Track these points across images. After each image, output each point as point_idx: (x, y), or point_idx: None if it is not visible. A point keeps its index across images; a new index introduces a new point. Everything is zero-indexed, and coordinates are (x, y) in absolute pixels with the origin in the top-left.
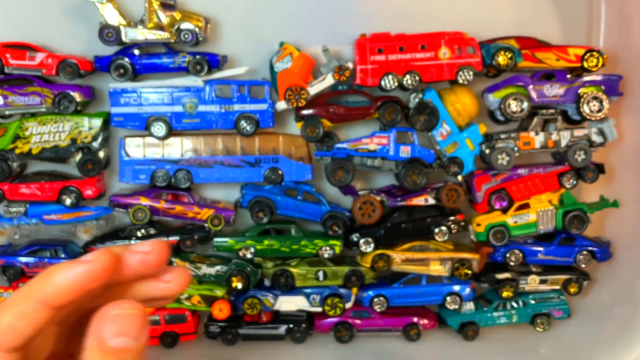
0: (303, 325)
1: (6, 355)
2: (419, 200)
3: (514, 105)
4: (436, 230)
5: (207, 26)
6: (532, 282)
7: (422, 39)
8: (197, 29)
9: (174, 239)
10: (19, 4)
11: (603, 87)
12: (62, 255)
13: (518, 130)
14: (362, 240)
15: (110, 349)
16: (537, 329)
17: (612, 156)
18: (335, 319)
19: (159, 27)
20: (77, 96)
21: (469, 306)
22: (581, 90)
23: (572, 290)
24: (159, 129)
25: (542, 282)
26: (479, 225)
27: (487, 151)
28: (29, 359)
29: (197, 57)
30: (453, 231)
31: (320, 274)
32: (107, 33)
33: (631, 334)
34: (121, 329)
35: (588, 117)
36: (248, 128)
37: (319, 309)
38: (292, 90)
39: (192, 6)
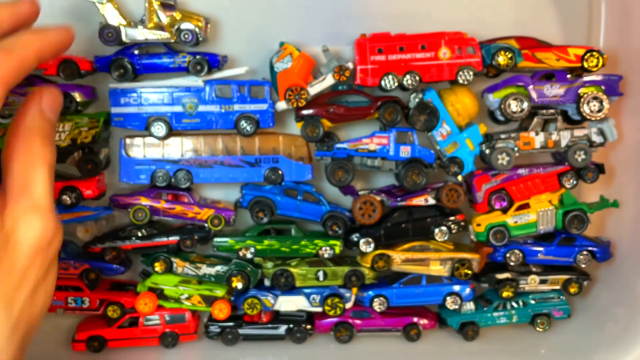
0: (303, 325)
1: None
2: (419, 200)
3: (514, 105)
4: (436, 230)
5: (207, 26)
6: (532, 282)
7: (422, 39)
8: (197, 29)
9: (174, 239)
10: None
11: (603, 87)
12: (62, 255)
13: (518, 130)
14: (362, 240)
15: (47, 117)
16: (537, 329)
17: (612, 156)
18: (335, 319)
19: (159, 27)
20: (77, 96)
21: (469, 306)
22: (581, 91)
23: (572, 290)
24: (159, 129)
25: (542, 282)
26: (479, 225)
27: (487, 151)
28: None
29: (197, 57)
30: (453, 231)
31: (320, 274)
32: (108, 33)
33: (631, 334)
34: (54, 105)
35: (588, 117)
36: (248, 128)
37: (319, 309)
38: (292, 90)
39: (192, 6)
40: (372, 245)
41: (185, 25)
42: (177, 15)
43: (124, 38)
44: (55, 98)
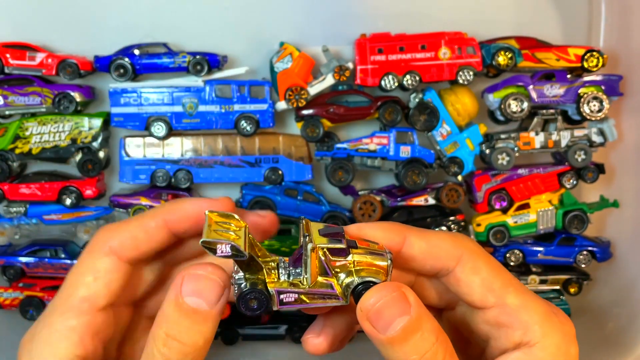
0: (303, 325)
1: (120, 264)
2: (419, 200)
3: (514, 105)
4: (436, 230)
5: None
6: (532, 282)
7: (422, 39)
8: None
9: None
10: (19, 4)
11: (603, 87)
12: (62, 256)
13: (518, 130)
14: None
15: (185, 306)
16: None
17: (612, 156)
18: None
19: None
20: (77, 96)
21: None
22: (581, 90)
23: (572, 290)
24: (159, 129)
25: (542, 282)
26: (479, 225)
27: (487, 151)
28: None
29: (197, 57)
30: (453, 231)
31: None
32: None
33: (631, 334)
34: (198, 290)
35: (588, 117)
36: (248, 128)
37: None
38: (292, 90)
39: (191, 6)
40: None
41: None
42: None
43: None
44: (201, 281)
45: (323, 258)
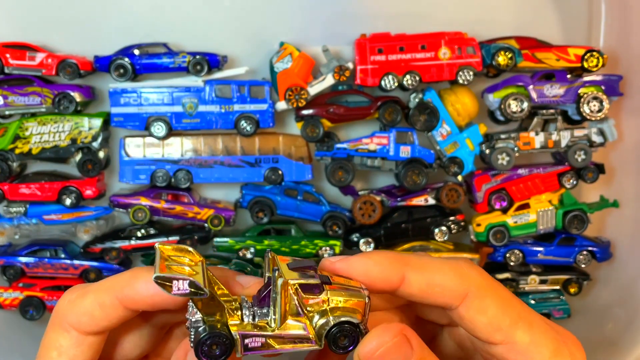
0: None
1: (82, 337)
2: (419, 200)
3: (514, 105)
4: (436, 230)
5: None
6: (532, 282)
7: (422, 39)
8: None
9: (174, 239)
10: (19, 4)
11: (603, 87)
12: (62, 255)
13: (518, 130)
14: (362, 240)
15: None
16: None
17: (612, 156)
18: None
19: None
20: (77, 96)
21: None
22: (581, 91)
23: (572, 290)
24: (159, 129)
25: (542, 282)
26: (479, 225)
27: (487, 151)
28: (118, 351)
29: (197, 57)
30: (453, 231)
31: None
32: None
33: (631, 334)
34: None
35: (588, 117)
36: (248, 128)
37: None
38: (292, 90)
39: (191, 6)
40: (372, 245)
41: None
42: None
43: None
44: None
45: (295, 296)
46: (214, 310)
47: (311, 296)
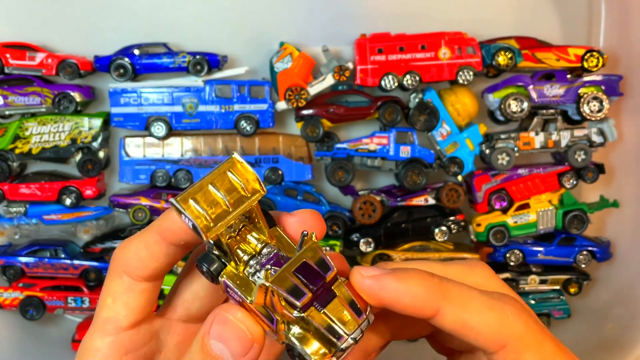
0: None
1: (134, 283)
2: (419, 200)
3: (514, 105)
4: (436, 230)
5: None
6: (532, 282)
7: (422, 39)
8: None
9: None
10: (19, 4)
11: (603, 87)
12: (62, 255)
13: (518, 130)
14: (362, 240)
15: (207, 349)
16: None
17: (612, 156)
18: None
19: None
20: (77, 96)
21: None
22: (581, 91)
23: (572, 290)
24: (159, 129)
25: (542, 282)
26: (479, 225)
27: (487, 151)
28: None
29: (197, 57)
30: (453, 231)
31: None
32: None
33: (631, 334)
34: (224, 336)
35: (588, 117)
36: (248, 128)
37: None
38: (292, 90)
39: (191, 6)
40: (372, 245)
41: None
42: None
43: None
44: (227, 326)
45: (272, 298)
46: (223, 250)
47: (289, 309)
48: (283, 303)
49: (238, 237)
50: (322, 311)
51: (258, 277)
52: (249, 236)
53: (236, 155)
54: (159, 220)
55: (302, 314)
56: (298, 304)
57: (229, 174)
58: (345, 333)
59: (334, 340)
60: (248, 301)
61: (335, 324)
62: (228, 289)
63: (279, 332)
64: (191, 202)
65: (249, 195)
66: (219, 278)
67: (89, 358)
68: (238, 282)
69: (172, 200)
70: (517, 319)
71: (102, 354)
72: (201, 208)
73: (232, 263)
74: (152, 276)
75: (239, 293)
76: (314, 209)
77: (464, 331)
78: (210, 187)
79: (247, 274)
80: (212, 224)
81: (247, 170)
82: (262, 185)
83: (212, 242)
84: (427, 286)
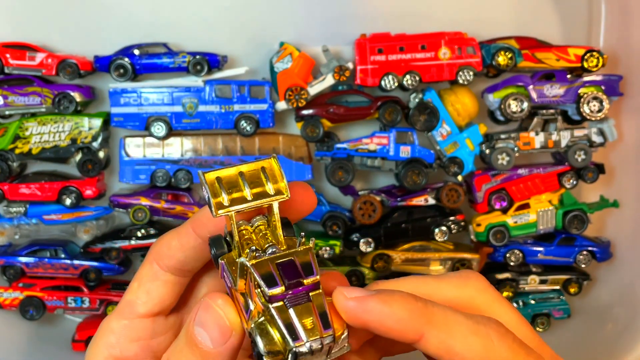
0: None
1: (160, 272)
2: (419, 200)
3: (514, 106)
4: (436, 230)
5: None
6: (532, 282)
7: (422, 39)
8: None
9: None
10: (19, 4)
11: (603, 87)
12: (62, 255)
13: (518, 130)
14: (362, 240)
15: (190, 333)
16: (537, 329)
17: (612, 156)
18: None
19: None
20: (77, 96)
21: None
22: (581, 91)
23: (572, 290)
24: (159, 129)
25: (542, 282)
26: (479, 225)
27: (487, 151)
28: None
29: (197, 57)
30: (453, 231)
31: None
32: None
33: (631, 334)
34: (204, 321)
35: (588, 117)
36: (248, 128)
37: None
38: (292, 90)
39: (191, 6)
40: (372, 245)
41: None
42: None
43: None
44: (208, 312)
45: (249, 281)
46: (235, 240)
47: (260, 297)
48: (257, 290)
49: (252, 234)
50: (289, 309)
51: (242, 258)
52: (261, 235)
53: (276, 157)
54: (195, 213)
55: (269, 305)
56: (268, 291)
57: (262, 170)
58: (303, 337)
59: (290, 340)
60: (235, 287)
61: (297, 325)
62: (224, 273)
63: (252, 320)
64: (215, 179)
65: (272, 194)
66: (219, 261)
67: (102, 337)
68: (233, 267)
69: (199, 171)
70: (501, 343)
71: (115, 336)
72: (222, 187)
73: (236, 251)
74: (177, 268)
75: (230, 278)
76: (304, 182)
77: (448, 356)
78: (240, 174)
79: (240, 262)
80: (225, 204)
81: (279, 174)
82: (289, 191)
83: (226, 229)
84: (412, 310)
